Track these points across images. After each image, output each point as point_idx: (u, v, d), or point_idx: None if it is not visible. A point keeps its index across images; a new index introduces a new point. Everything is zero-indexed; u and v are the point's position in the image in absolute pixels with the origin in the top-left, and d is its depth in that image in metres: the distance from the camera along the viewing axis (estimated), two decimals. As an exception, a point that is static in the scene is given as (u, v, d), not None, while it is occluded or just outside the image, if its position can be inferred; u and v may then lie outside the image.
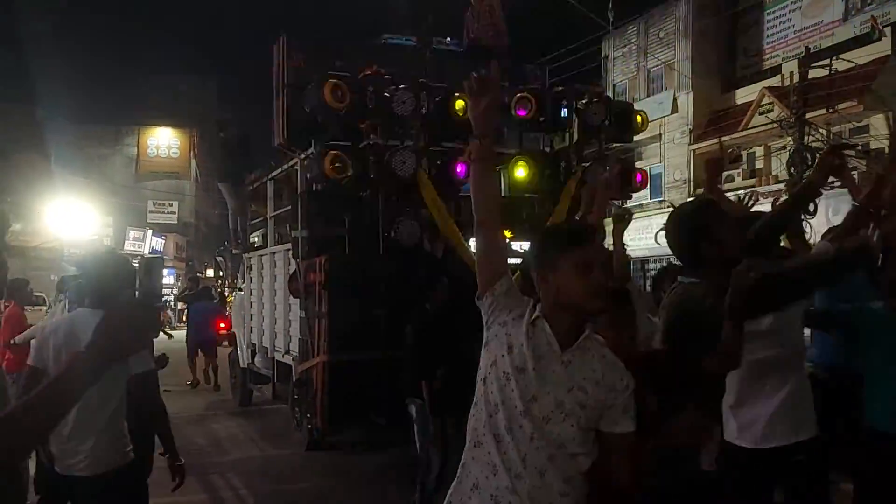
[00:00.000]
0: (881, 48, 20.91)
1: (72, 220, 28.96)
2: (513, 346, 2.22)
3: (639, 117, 8.64)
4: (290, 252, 8.33)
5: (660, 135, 26.74)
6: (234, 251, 11.47)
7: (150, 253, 36.99)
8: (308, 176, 7.74)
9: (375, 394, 7.02)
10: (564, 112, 7.88)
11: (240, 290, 12.03)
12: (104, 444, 3.40)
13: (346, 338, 7.19)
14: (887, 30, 21.13)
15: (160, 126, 44.76)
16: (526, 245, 7.92)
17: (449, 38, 8.86)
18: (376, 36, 8.37)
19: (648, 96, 27.88)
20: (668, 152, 26.84)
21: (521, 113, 7.57)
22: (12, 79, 27.83)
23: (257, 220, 11.08)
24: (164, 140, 44.97)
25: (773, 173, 23.16)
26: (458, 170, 7.25)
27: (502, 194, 9.22)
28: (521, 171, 7.77)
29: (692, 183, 25.52)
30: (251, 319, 10.78)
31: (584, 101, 8.02)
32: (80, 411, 3.05)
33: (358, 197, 7.54)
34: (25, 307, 8.55)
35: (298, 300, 8.14)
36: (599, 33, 28.72)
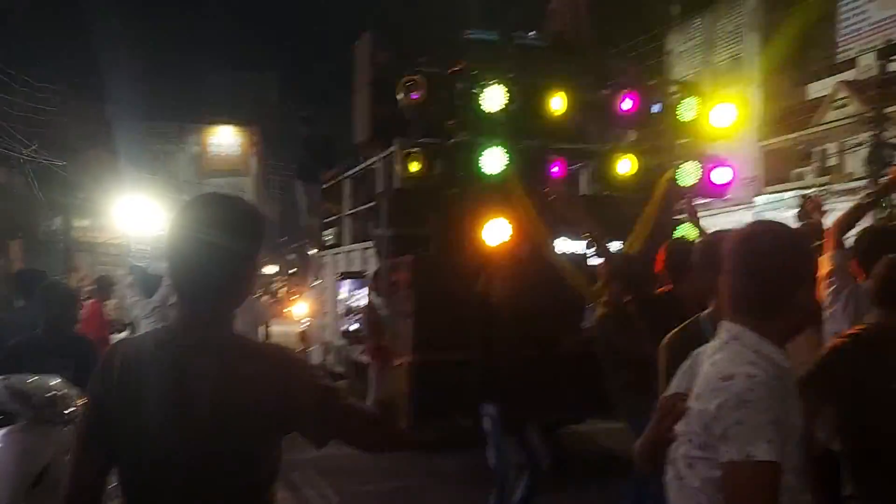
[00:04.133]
0: (967, 40, 20.03)
1: (138, 216, 29.43)
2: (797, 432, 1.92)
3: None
4: (370, 250, 8.27)
5: (727, 131, 26.08)
6: (310, 251, 11.48)
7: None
8: (392, 174, 7.65)
9: (461, 395, 6.89)
10: (656, 108, 7.62)
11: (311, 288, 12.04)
12: None
13: (432, 338, 7.08)
14: (974, 20, 20.24)
15: (222, 124, 45.57)
16: (613, 245, 7.73)
17: (532, 32, 8.66)
18: (458, 31, 8.22)
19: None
20: (737, 149, 26.07)
21: (627, 109, 7.32)
22: (84, 77, 28.63)
23: (331, 218, 11.07)
24: (225, 138, 45.79)
25: (848, 170, 22.35)
26: (555, 171, 7.07)
27: (585, 192, 9.05)
28: (622, 167, 7.52)
29: (762, 181, 24.85)
30: (325, 318, 10.77)
31: (676, 96, 7.76)
32: None
33: (443, 195, 7.43)
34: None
35: (379, 300, 8.07)
36: (663, 27, 28.22)
